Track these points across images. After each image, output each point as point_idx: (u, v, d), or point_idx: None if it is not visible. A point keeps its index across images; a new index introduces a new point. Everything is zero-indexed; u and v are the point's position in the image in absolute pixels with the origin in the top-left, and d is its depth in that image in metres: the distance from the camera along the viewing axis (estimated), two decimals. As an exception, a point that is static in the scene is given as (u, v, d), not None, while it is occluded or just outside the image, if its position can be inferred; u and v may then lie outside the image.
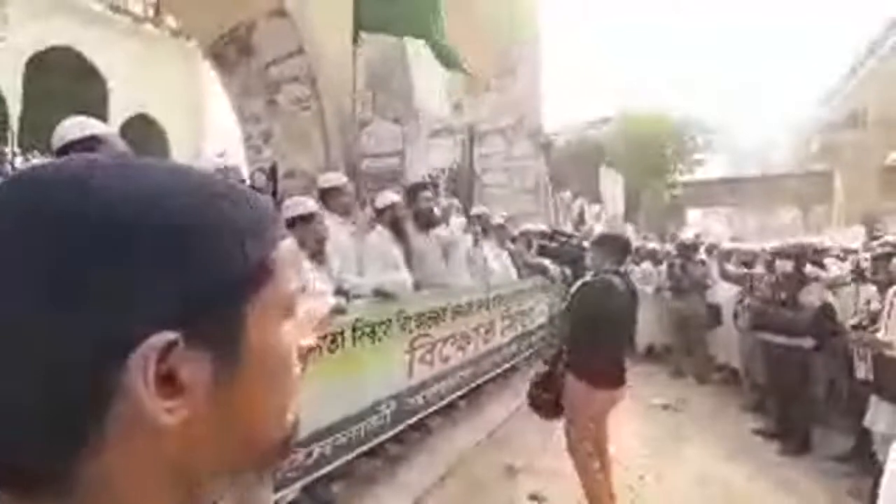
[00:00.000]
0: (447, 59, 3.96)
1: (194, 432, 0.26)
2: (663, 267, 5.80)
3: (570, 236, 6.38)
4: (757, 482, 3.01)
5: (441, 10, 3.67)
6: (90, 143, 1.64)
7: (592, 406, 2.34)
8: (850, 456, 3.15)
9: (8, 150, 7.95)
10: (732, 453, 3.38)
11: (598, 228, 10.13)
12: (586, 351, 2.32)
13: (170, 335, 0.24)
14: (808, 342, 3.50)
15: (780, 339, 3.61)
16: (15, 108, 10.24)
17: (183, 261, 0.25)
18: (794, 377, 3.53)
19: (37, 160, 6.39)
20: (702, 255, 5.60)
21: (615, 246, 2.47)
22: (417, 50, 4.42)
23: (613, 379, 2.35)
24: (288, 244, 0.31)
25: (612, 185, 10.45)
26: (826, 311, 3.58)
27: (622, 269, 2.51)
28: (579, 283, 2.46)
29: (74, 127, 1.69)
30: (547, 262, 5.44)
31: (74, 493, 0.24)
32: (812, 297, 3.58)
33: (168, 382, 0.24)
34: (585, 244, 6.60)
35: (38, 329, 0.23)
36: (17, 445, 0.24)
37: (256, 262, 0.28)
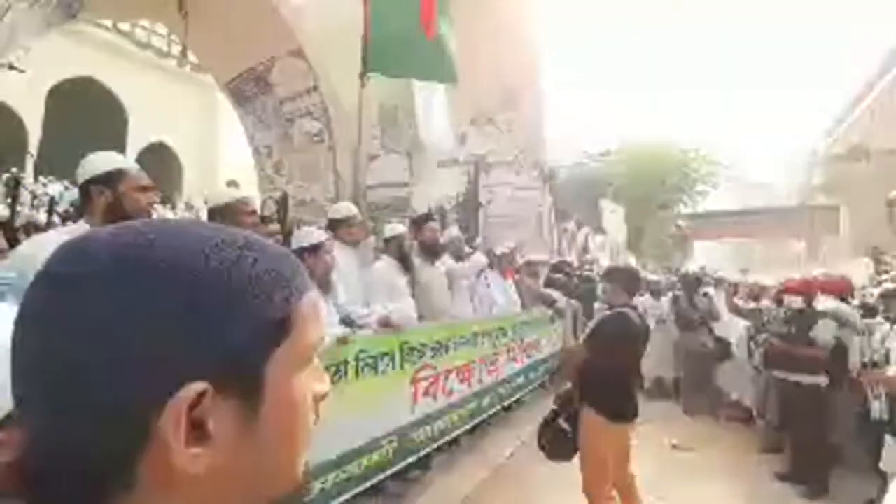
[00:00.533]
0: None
1: (217, 480, 0.27)
2: (664, 299, 5.76)
3: (578, 268, 6.38)
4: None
5: (448, 52, 3.84)
6: (115, 176, 1.72)
7: (612, 441, 2.29)
8: (873, 501, 3.01)
9: (28, 175, 8.21)
10: (747, 496, 3.25)
11: (604, 259, 10.17)
12: (606, 385, 2.29)
13: (201, 386, 0.26)
14: (823, 380, 3.42)
15: (795, 377, 3.52)
16: (35, 136, 10.64)
17: (218, 317, 0.27)
18: (810, 416, 3.43)
19: (55, 187, 6.59)
20: (707, 288, 5.57)
21: (626, 279, 2.51)
22: (424, 85, 4.60)
23: (630, 412, 2.33)
24: (312, 296, 0.33)
25: (613, 216, 10.54)
26: (839, 347, 3.52)
27: (633, 301, 2.53)
28: (598, 317, 2.49)
29: (100, 161, 1.77)
30: (556, 294, 5.44)
31: None
32: (826, 333, 3.51)
33: (196, 431, 0.26)
34: (594, 276, 6.60)
35: (93, 372, 0.25)
36: (58, 479, 0.25)
37: (281, 317, 0.30)
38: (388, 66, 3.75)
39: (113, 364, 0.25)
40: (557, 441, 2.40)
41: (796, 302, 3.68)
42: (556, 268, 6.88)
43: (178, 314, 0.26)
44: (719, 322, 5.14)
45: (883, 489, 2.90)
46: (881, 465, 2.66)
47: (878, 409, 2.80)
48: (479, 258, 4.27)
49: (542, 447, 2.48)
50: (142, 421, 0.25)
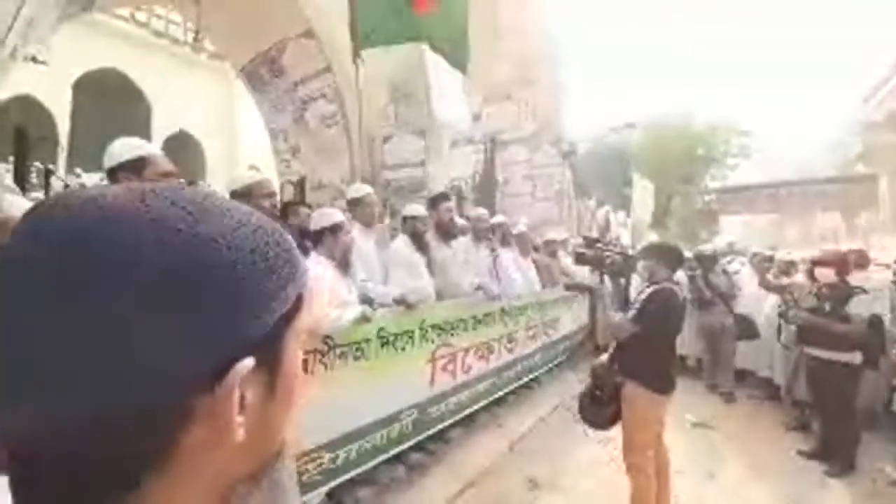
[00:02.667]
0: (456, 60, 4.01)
1: (242, 447, 0.29)
2: (683, 277, 5.63)
3: (609, 244, 6.27)
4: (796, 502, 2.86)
5: (449, 33, 3.72)
6: (140, 163, 1.76)
7: (656, 410, 2.39)
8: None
9: (60, 166, 8.53)
10: (773, 473, 3.22)
11: (626, 236, 9.96)
12: (653, 357, 2.38)
13: (249, 362, 0.28)
14: (857, 357, 3.31)
15: (828, 354, 3.41)
16: (64, 128, 10.99)
17: (259, 294, 0.29)
18: (842, 394, 3.34)
19: (85, 177, 6.84)
20: (725, 265, 5.37)
21: (669, 255, 2.57)
22: (437, 61, 4.50)
23: (671, 384, 2.42)
24: (312, 275, 0.35)
25: (643, 192, 10.26)
26: (874, 323, 3.38)
27: (675, 277, 2.59)
28: (645, 293, 2.51)
29: (125, 148, 1.82)
30: (585, 272, 5.39)
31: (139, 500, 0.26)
32: (860, 308, 3.37)
33: (240, 402, 0.28)
34: (630, 252, 6.49)
35: (148, 335, 0.25)
36: (92, 465, 0.25)
37: (296, 295, 0.32)
38: (374, 40, 3.67)
39: (166, 341, 0.25)
40: (598, 411, 2.49)
41: (828, 276, 3.53)
42: (586, 244, 6.77)
43: (227, 292, 0.27)
44: (741, 299, 4.97)
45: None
46: None
47: None
48: (496, 244, 4.28)
49: (583, 418, 2.57)
50: (193, 393, 0.26)
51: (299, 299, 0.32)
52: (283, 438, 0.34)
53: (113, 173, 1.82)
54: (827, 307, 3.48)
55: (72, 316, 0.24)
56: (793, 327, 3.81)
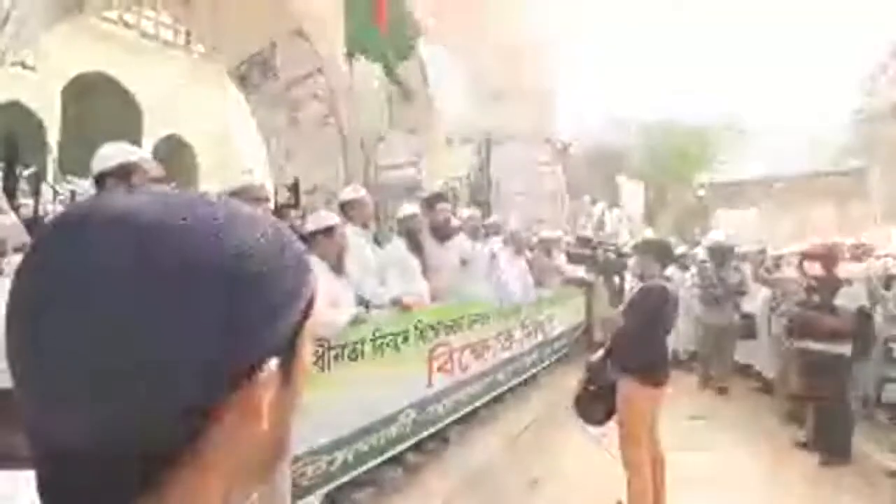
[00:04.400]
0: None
1: (258, 442, 0.31)
2: (688, 273, 5.60)
3: (601, 242, 6.30)
4: (794, 495, 2.89)
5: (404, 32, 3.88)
6: (128, 168, 1.75)
7: (651, 404, 2.43)
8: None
9: (50, 172, 8.45)
10: (768, 464, 3.25)
11: (623, 233, 10.01)
12: (645, 351, 2.42)
13: (276, 360, 0.29)
14: (847, 348, 3.35)
15: (818, 346, 3.45)
16: (53, 133, 10.89)
17: (283, 296, 0.30)
18: (833, 385, 3.38)
19: (83, 183, 6.78)
20: (738, 261, 5.11)
21: (659, 251, 2.61)
22: (434, 57, 4.52)
23: (664, 377, 2.46)
24: (315, 277, 0.36)
25: (631, 193, 10.33)
26: (863, 314, 3.42)
27: (667, 273, 2.65)
28: (635, 289, 2.57)
29: (112, 154, 1.80)
30: (580, 269, 5.40)
31: (162, 498, 0.27)
32: (848, 300, 3.42)
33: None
34: (621, 250, 6.49)
35: (189, 336, 0.26)
36: (114, 466, 0.26)
37: (311, 294, 0.34)
38: (360, 48, 3.82)
39: (205, 342, 0.26)
40: (593, 406, 2.54)
41: (816, 269, 3.58)
42: (580, 243, 6.81)
43: (258, 296, 0.29)
44: (746, 296, 4.83)
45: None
46: None
47: None
48: (492, 247, 4.27)
49: (579, 413, 2.61)
50: (228, 392, 0.27)
51: (311, 297, 0.34)
52: (285, 440, 0.35)
53: (101, 178, 1.80)
54: (816, 300, 3.53)
55: (115, 318, 0.25)
56: (784, 321, 3.85)
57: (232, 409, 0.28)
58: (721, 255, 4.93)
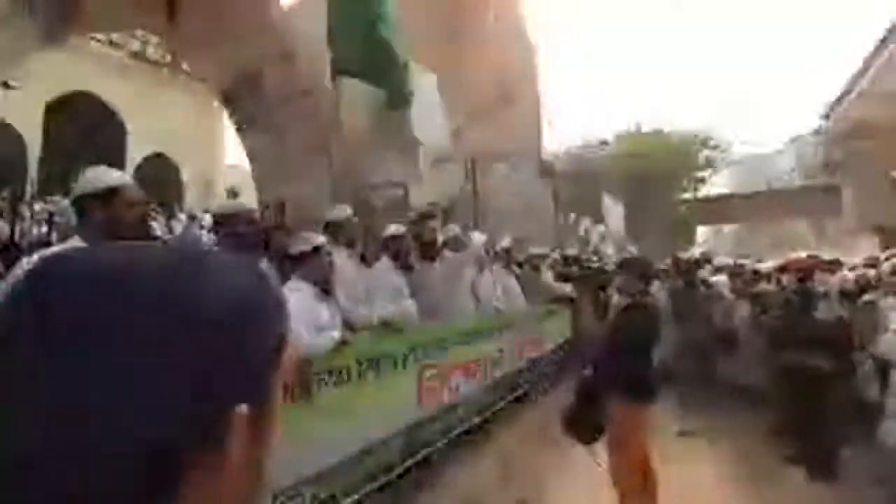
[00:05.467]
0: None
1: (234, 485, 0.30)
2: (662, 288, 5.65)
3: (587, 260, 6.37)
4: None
5: (397, 60, 3.83)
6: (110, 193, 1.73)
7: (641, 421, 2.43)
8: (883, 480, 3.01)
9: (28, 193, 8.27)
10: (756, 479, 3.26)
11: (608, 249, 10.17)
12: (633, 368, 2.43)
13: (245, 408, 0.29)
14: (825, 360, 3.42)
15: (797, 358, 3.52)
16: (35, 153, 10.70)
17: (256, 345, 0.31)
18: (815, 397, 3.43)
19: (56, 204, 6.64)
20: (706, 274, 5.34)
21: (640, 268, 2.67)
22: (417, 81, 4.57)
23: (652, 393, 2.48)
24: (287, 317, 0.36)
25: (614, 211, 10.56)
26: (841, 326, 3.51)
27: (648, 289, 2.69)
28: (619, 306, 2.60)
29: (91, 179, 1.78)
30: (567, 287, 5.43)
31: None
32: (824, 313, 3.51)
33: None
34: (605, 268, 6.56)
35: (161, 382, 0.26)
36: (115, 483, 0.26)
37: (282, 336, 0.34)
38: (351, 67, 3.70)
39: (176, 390, 0.27)
40: (582, 425, 2.53)
41: (791, 282, 3.68)
42: (566, 261, 6.90)
43: (231, 346, 0.29)
44: (721, 309, 5.00)
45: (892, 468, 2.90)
46: (879, 433, 2.68)
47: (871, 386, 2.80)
48: (478, 239, 4.27)
49: (568, 432, 2.59)
50: (198, 439, 0.28)
51: (282, 338, 0.34)
52: (263, 476, 0.35)
53: (81, 202, 1.78)
54: (794, 312, 3.61)
55: (89, 365, 0.26)
56: (765, 334, 3.92)
57: (201, 460, 0.28)
58: (687, 272, 5.11)
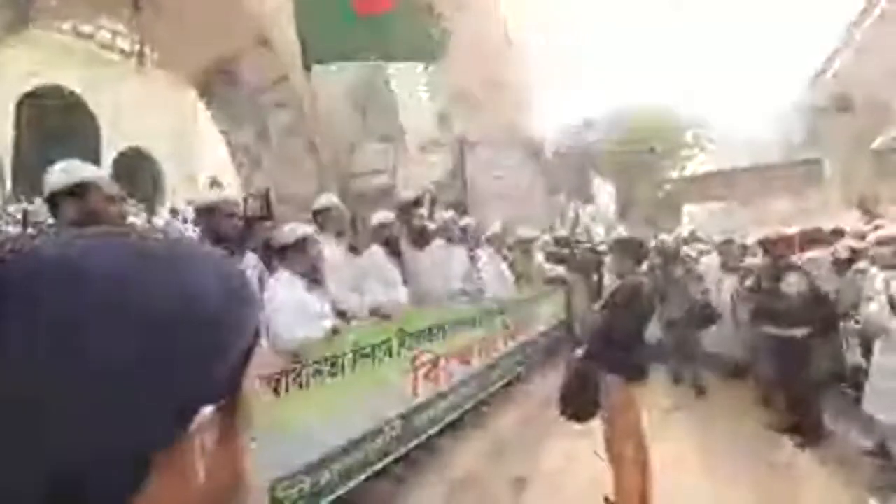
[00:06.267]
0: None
1: (204, 486, 0.30)
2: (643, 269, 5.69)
3: (578, 241, 6.38)
4: (771, 478, 2.98)
5: (406, 27, 3.51)
6: (82, 188, 1.66)
7: (633, 400, 2.45)
8: (871, 451, 3.10)
9: (5, 190, 7.98)
10: (746, 451, 3.34)
11: (598, 229, 10.22)
12: (625, 348, 2.45)
13: (209, 411, 0.29)
14: (800, 331, 3.48)
15: (777, 331, 3.60)
16: (6, 149, 10.32)
17: (224, 345, 0.30)
18: (796, 367, 3.51)
19: (30, 203, 6.43)
20: (688, 254, 5.33)
21: (632, 249, 2.66)
22: (399, 68, 4.45)
23: (643, 372, 2.50)
24: (256, 315, 0.35)
25: (604, 192, 10.60)
26: (817, 297, 3.57)
27: (641, 269, 2.69)
28: (612, 287, 2.60)
29: (66, 173, 1.70)
30: (560, 268, 5.43)
31: None
32: (791, 285, 3.56)
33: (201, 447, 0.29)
34: (596, 248, 6.59)
35: (120, 386, 0.25)
36: (85, 484, 0.25)
37: (253, 336, 0.33)
38: (324, 54, 3.46)
39: (135, 393, 0.25)
40: (577, 404, 2.55)
41: (759, 257, 3.74)
42: (557, 242, 6.90)
43: (193, 346, 0.28)
44: (704, 284, 4.96)
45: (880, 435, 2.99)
46: (863, 406, 2.75)
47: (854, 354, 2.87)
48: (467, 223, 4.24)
49: (563, 412, 2.61)
50: (159, 442, 0.27)
51: (256, 338, 0.33)
52: (239, 473, 0.34)
53: (54, 199, 1.70)
54: (766, 285, 3.68)
55: (50, 367, 0.24)
56: (748, 306, 4.00)
57: (163, 463, 0.27)
58: (667, 253, 5.08)
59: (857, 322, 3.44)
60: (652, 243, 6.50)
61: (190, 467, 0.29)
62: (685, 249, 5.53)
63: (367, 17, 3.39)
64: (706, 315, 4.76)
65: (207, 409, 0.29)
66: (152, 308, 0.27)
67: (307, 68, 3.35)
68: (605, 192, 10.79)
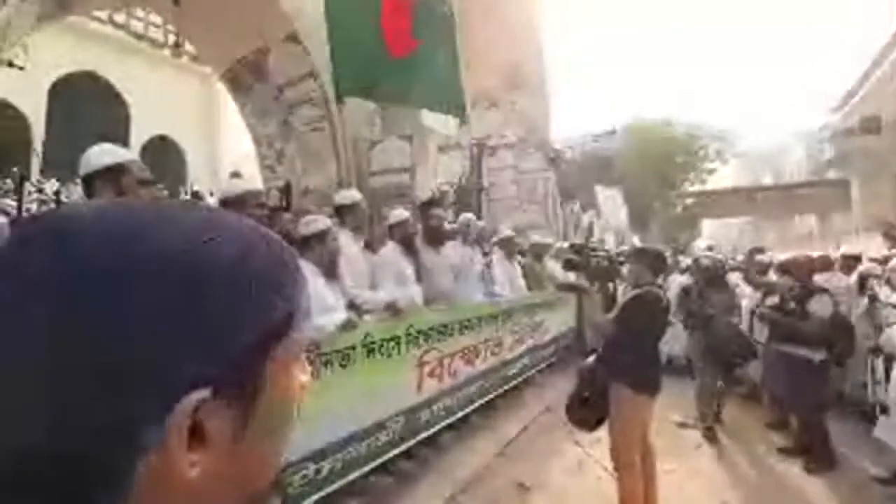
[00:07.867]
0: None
1: (210, 484, 0.26)
2: (672, 277, 5.61)
3: (595, 249, 6.32)
4: (780, 501, 2.92)
5: (433, 75, 3.63)
6: (116, 170, 1.73)
7: (641, 411, 2.43)
8: (881, 478, 3.02)
9: (35, 173, 8.27)
10: (755, 471, 3.29)
11: (609, 239, 10.13)
12: (637, 358, 2.42)
13: (204, 393, 0.24)
14: (819, 355, 3.41)
15: (793, 351, 3.52)
16: (39, 132, 10.68)
17: (221, 317, 0.26)
18: (810, 389, 3.43)
19: (64, 182, 6.64)
20: (729, 277, 4.74)
21: (653, 259, 2.63)
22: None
23: (656, 385, 2.46)
24: (309, 290, 0.32)
25: (609, 200, 10.48)
26: (841, 322, 3.50)
27: (659, 281, 2.66)
28: (627, 295, 2.57)
29: (101, 155, 1.77)
30: (572, 275, 5.37)
31: None
32: (819, 307, 3.48)
33: (194, 436, 0.25)
34: (614, 257, 6.52)
35: (87, 382, 0.23)
36: (36, 491, 0.23)
37: (285, 313, 0.29)
38: (356, 88, 3.46)
39: (109, 373, 0.23)
40: (585, 413, 2.53)
41: (787, 279, 3.66)
42: (574, 250, 6.84)
43: (180, 316, 0.25)
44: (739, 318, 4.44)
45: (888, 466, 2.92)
46: (875, 433, 2.69)
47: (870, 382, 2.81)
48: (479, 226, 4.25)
49: (570, 419, 2.61)
50: (142, 429, 0.24)
51: (290, 318, 0.29)
52: (270, 477, 0.31)
53: (89, 180, 1.77)
54: (791, 305, 3.61)
55: (51, 323, 0.23)
56: (765, 325, 3.91)
57: (151, 449, 0.24)
58: (705, 273, 4.45)
59: (877, 349, 3.35)
60: (685, 261, 6.27)
61: (175, 459, 0.24)
62: (732, 279, 4.89)
63: (400, 59, 3.44)
64: (752, 351, 4.04)
65: (204, 392, 0.24)
66: (151, 262, 0.25)
67: (339, 100, 3.37)
68: (618, 203, 10.68)
